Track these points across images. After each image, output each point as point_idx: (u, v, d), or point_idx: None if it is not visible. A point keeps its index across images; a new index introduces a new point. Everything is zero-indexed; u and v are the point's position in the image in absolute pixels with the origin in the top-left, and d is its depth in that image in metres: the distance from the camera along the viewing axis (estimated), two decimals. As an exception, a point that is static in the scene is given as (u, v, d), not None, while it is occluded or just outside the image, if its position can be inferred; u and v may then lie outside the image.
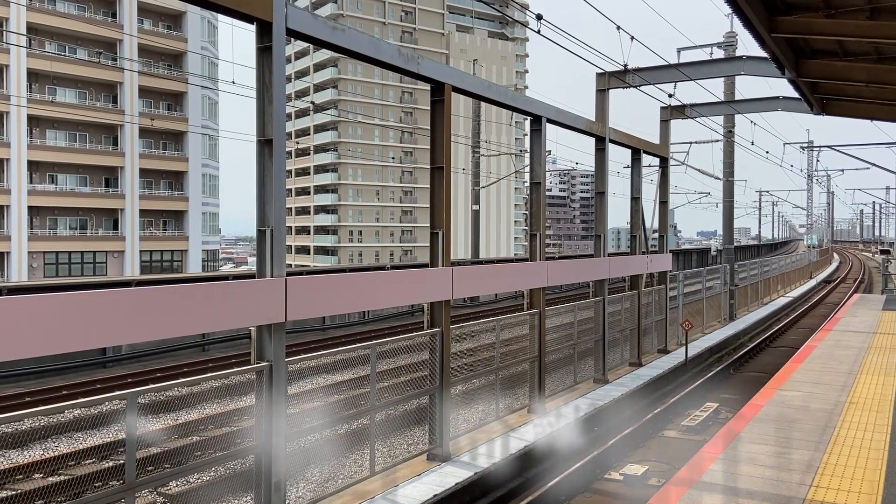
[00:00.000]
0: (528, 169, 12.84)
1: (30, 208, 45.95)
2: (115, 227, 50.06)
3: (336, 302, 7.69)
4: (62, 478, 8.67)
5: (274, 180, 6.54)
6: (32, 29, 45.72)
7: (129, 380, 14.57)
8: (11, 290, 18.00)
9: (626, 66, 13.74)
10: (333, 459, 9.62)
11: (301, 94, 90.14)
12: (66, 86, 48.06)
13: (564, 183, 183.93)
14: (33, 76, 46.17)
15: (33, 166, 46.48)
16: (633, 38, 12.30)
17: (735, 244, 29.00)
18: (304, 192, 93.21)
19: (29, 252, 45.62)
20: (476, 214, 36.93)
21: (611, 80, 14.95)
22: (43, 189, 47.37)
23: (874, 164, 28.47)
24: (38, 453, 10.04)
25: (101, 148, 49.39)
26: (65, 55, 47.04)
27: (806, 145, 44.93)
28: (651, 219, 17.72)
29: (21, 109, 43.78)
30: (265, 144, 6.59)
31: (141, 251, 50.45)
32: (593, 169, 14.95)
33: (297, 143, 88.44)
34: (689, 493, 6.81)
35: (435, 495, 7.85)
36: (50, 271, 46.62)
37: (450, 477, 8.39)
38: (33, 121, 46.21)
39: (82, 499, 5.52)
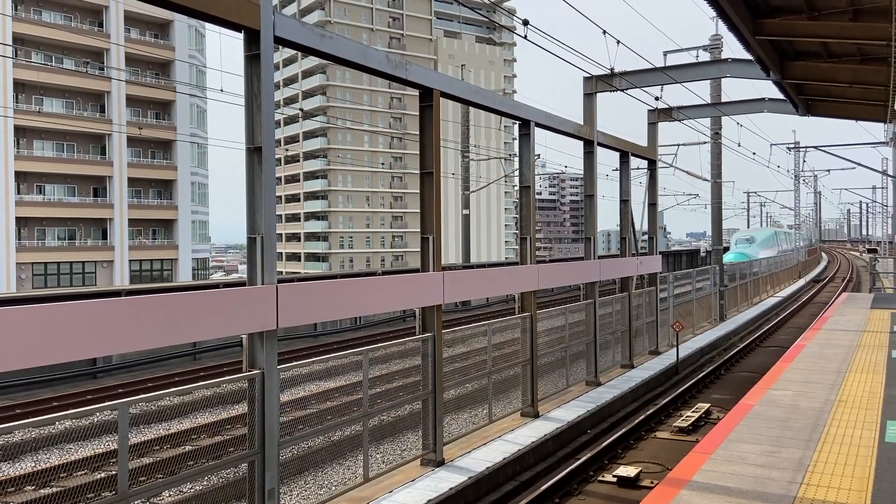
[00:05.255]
0: (517, 173, 12.88)
1: (17, 219, 45.66)
2: (104, 237, 49.80)
3: (327, 308, 7.70)
4: (54, 490, 8.61)
5: (264, 187, 6.55)
6: (18, 39, 45.51)
7: (120, 390, 14.50)
8: (0, 301, 17.88)
9: (612, 69, 13.79)
10: (327, 466, 9.62)
11: (290, 101, 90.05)
12: (53, 96, 47.84)
13: (554, 186, 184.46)
14: (20, 86, 45.93)
15: (21, 177, 46.21)
16: (619, 42, 12.37)
17: (724, 245, 29.18)
18: (294, 198, 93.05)
19: (17, 263, 45.31)
20: (466, 219, 36.97)
21: (598, 84, 15.03)
22: (31, 200, 47.09)
23: (860, 164, 28.83)
24: (29, 465, 9.98)
25: (89, 157, 49.14)
26: (51, 65, 46.84)
27: (792, 146, 45.29)
28: (640, 221, 17.82)
29: (8, 120, 43.54)
30: (254, 152, 6.60)
31: (130, 260, 50.19)
32: (582, 172, 15.02)
33: (287, 150, 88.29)
34: (681, 493, 6.85)
35: (429, 501, 7.86)
36: (39, 282, 46.29)
37: (444, 482, 8.40)
38: (20, 131, 45.96)
39: (75, 510, 5.51)
